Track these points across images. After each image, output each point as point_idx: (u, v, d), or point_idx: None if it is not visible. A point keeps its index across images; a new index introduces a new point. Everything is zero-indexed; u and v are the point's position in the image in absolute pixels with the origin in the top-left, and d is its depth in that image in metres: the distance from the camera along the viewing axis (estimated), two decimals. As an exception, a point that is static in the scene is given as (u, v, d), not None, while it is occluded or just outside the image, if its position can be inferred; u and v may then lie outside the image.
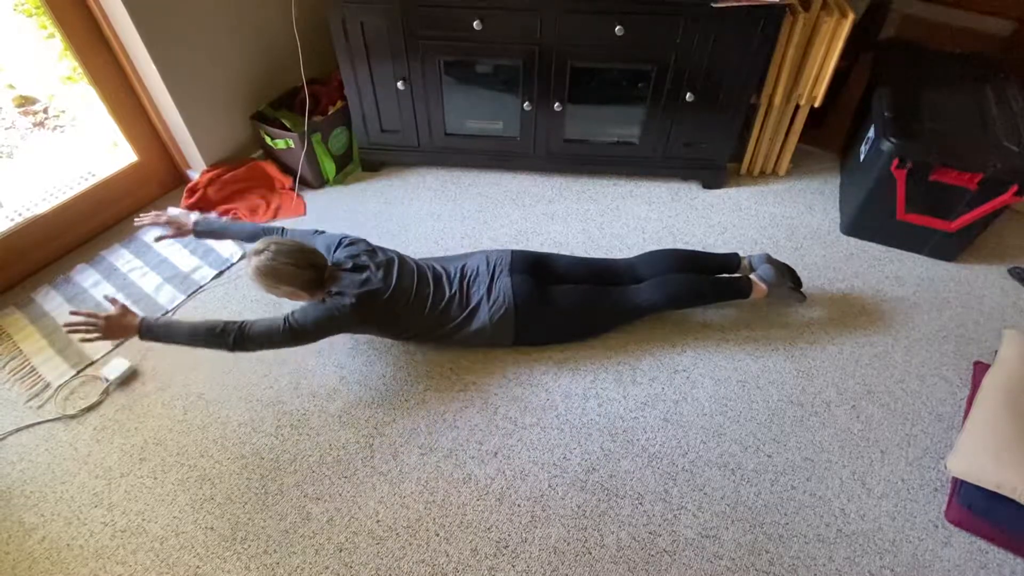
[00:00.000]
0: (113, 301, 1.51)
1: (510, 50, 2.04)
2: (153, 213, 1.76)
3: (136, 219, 1.76)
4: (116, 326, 1.46)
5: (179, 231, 1.75)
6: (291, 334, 1.52)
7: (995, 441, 1.38)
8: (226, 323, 1.49)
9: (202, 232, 1.76)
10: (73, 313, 1.45)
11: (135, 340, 1.82)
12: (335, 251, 1.70)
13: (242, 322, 1.50)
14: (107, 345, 1.82)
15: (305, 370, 1.78)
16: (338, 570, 1.38)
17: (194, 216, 1.81)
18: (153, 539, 1.43)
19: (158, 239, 1.78)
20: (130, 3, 1.85)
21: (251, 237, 1.73)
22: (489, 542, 1.42)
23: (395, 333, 1.73)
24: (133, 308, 1.51)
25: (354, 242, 1.71)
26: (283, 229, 1.76)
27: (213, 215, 2.25)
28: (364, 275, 1.61)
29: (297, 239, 1.60)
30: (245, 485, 1.53)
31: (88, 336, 1.44)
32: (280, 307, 1.94)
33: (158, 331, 1.48)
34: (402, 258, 1.72)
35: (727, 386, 1.73)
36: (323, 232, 1.77)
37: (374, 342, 1.85)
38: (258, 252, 1.53)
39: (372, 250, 1.70)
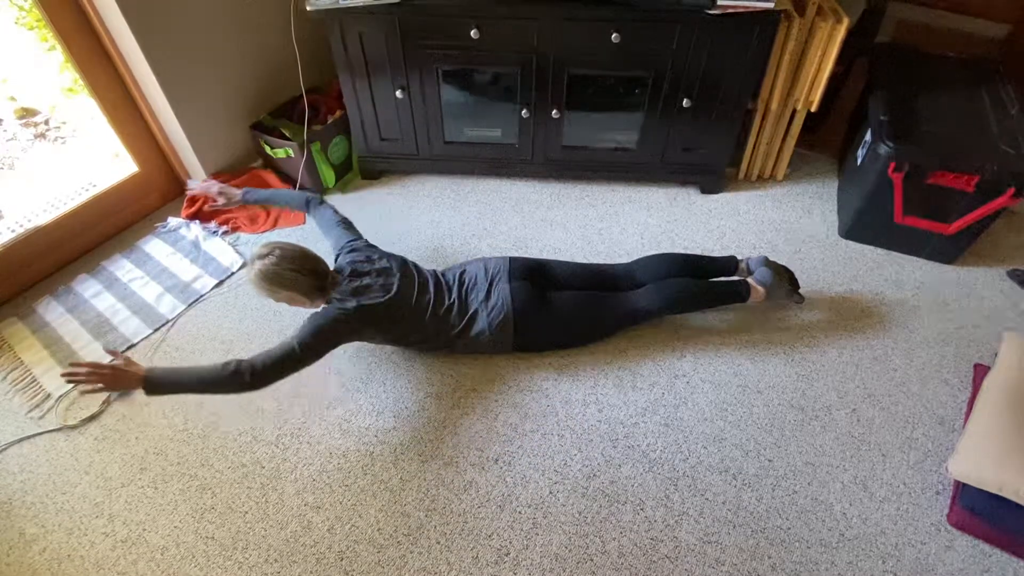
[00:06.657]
0: (114, 353, 1.43)
1: (508, 58, 2.05)
2: (204, 183, 1.88)
3: (188, 189, 1.94)
4: (121, 377, 1.36)
5: (229, 200, 1.90)
6: (301, 350, 1.46)
7: (996, 443, 1.38)
8: (237, 362, 1.40)
9: (251, 200, 1.90)
10: (73, 364, 1.35)
11: (137, 348, 1.86)
12: (340, 256, 1.71)
13: (251, 358, 1.42)
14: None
15: (305, 379, 1.77)
16: (339, 579, 1.37)
17: (241, 190, 1.93)
18: (154, 549, 1.43)
19: (212, 205, 1.92)
20: (130, 15, 1.87)
21: (298, 205, 1.86)
22: (490, 549, 1.42)
23: (395, 339, 1.73)
24: (136, 360, 1.40)
25: (356, 248, 1.72)
26: (323, 200, 1.86)
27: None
28: (364, 282, 1.62)
29: (300, 246, 1.61)
30: (246, 494, 1.53)
31: (89, 388, 1.34)
32: (281, 316, 1.95)
33: (164, 380, 1.38)
34: (404, 264, 1.73)
35: (727, 391, 1.73)
36: (349, 223, 1.82)
37: (374, 350, 1.85)
38: (261, 257, 1.53)
39: (374, 256, 1.70)
